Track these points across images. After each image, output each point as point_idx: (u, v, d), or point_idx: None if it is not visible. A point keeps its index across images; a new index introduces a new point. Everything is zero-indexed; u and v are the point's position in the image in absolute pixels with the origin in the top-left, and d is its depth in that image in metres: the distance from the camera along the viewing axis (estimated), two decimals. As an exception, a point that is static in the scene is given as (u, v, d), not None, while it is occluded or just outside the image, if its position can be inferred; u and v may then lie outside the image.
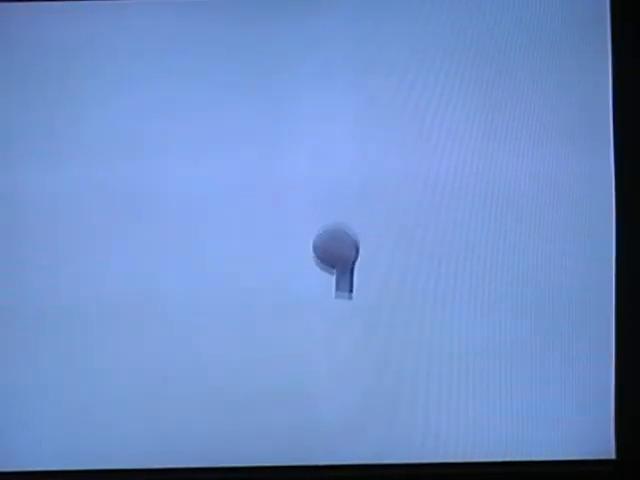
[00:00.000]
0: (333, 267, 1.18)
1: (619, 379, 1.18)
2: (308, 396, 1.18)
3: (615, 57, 1.20)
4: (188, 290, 1.19)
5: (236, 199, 1.19)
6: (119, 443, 1.19)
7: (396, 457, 1.19)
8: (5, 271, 1.20)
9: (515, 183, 1.19)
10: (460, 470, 1.18)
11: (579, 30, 1.20)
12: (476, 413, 1.18)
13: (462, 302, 1.18)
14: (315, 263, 1.18)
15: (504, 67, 1.20)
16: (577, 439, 1.19)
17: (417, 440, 1.18)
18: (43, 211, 1.20)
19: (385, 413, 1.18)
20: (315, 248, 1.18)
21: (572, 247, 1.19)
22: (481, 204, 1.19)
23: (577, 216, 1.19)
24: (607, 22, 1.20)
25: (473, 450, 1.19)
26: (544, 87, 1.20)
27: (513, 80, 1.20)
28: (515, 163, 1.19)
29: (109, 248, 1.19)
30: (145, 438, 1.19)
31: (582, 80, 1.20)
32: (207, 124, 1.20)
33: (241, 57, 1.20)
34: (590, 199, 1.19)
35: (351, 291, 1.18)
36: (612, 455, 1.19)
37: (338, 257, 1.18)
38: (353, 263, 1.18)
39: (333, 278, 1.18)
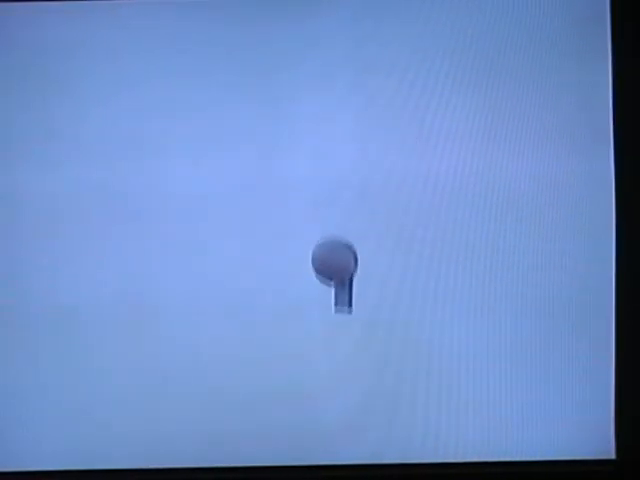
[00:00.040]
0: (332, 280, 1.18)
1: (619, 379, 1.18)
2: (308, 396, 1.18)
3: (615, 57, 1.20)
4: (188, 290, 1.19)
5: (236, 199, 1.19)
6: (119, 443, 1.19)
7: (396, 457, 1.19)
8: (6, 271, 1.20)
9: (515, 183, 1.19)
10: (460, 470, 1.18)
11: (579, 30, 1.20)
12: (476, 413, 1.18)
13: (462, 302, 1.18)
14: (314, 276, 1.18)
15: (504, 67, 1.20)
16: (577, 439, 1.19)
17: (417, 440, 1.18)
18: (43, 211, 1.20)
19: (385, 413, 1.18)
20: (313, 261, 1.18)
21: (572, 247, 1.19)
22: (481, 204, 1.19)
23: (577, 216, 1.19)
24: (607, 22, 1.20)
25: (473, 450, 1.19)
26: (544, 87, 1.20)
27: (513, 80, 1.20)
28: (515, 163, 1.19)
29: (109, 248, 1.19)
30: (145, 438, 1.19)
31: (582, 80, 1.20)
32: (207, 124, 1.20)
33: (241, 57, 1.20)
34: (590, 199, 1.19)
35: (350, 305, 1.18)
36: (612, 455, 1.19)
37: (337, 270, 1.18)
38: (352, 276, 1.18)
39: (332, 289, 1.18)
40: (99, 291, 1.19)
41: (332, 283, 1.18)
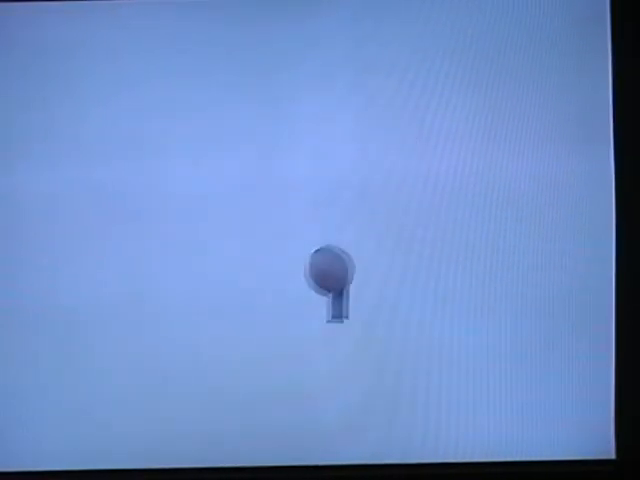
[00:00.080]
0: (328, 291, 1.18)
1: (619, 379, 1.18)
2: (308, 396, 1.18)
3: (615, 57, 1.20)
4: (188, 290, 1.19)
5: (236, 199, 1.19)
6: (119, 443, 1.19)
7: (396, 457, 1.18)
8: (5, 271, 1.20)
9: (515, 183, 1.19)
10: (460, 470, 1.18)
11: (579, 30, 1.20)
12: (476, 413, 1.18)
13: (462, 302, 1.18)
14: (310, 286, 1.18)
15: (504, 67, 1.20)
16: (577, 439, 1.19)
17: (417, 440, 1.18)
18: (42, 211, 1.19)
19: (385, 413, 1.18)
20: (309, 271, 1.17)
21: (572, 247, 1.19)
22: (481, 204, 1.19)
23: (577, 216, 1.19)
24: (607, 22, 1.20)
25: (473, 450, 1.19)
26: (544, 87, 1.20)
27: (513, 80, 1.20)
28: (515, 163, 1.19)
29: (109, 248, 1.19)
30: (145, 438, 1.19)
31: (582, 80, 1.20)
32: (207, 124, 1.20)
33: (241, 57, 1.20)
34: (590, 199, 1.19)
35: (346, 316, 1.18)
36: (612, 455, 1.19)
37: (332, 281, 1.18)
38: (348, 285, 1.18)
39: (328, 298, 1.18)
40: (99, 291, 1.19)
41: (329, 294, 1.18)
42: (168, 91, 1.20)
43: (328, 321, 1.18)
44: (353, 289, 1.19)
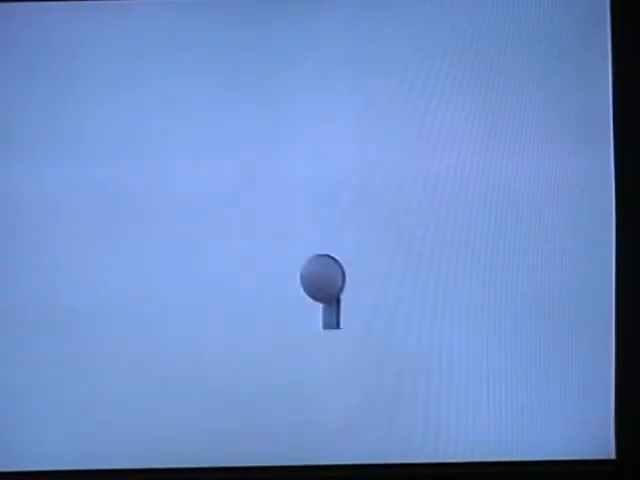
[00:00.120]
0: (320, 301, 1.18)
1: (619, 379, 1.18)
2: (308, 396, 1.18)
3: (615, 57, 1.20)
4: (188, 290, 1.19)
5: (236, 199, 1.19)
6: (119, 443, 1.19)
7: (396, 457, 1.18)
8: (6, 271, 1.20)
9: (515, 183, 1.19)
10: (460, 470, 1.18)
11: (579, 30, 1.20)
12: (476, 413, 1.18)
13: (462, 302, 1.18)
14: (303, 292, 1.18)
15: (504, 67, 1.20)
16: (577, 439, 1.19)
17: (417, 440, 1.18)
18: (42, 211, 1.20)
19: (385, 413, 1.18)
20: (301, 283, 1.18)
21: (572, 247, 1.19)
22: (481, 204, 1.19)
23: (577, 216, 1.19)
24: (607, 22, 1.20)
25: (473, 450, 1.18)
26: (544, 87, 1.20)
27: (513, 80, 1.20)
28: (515, 163, 1.19)
29: (109, 248, 1.19)
30: (145, 438, 1.19)
31: (582, 80, 1.20)
32: (207, 124, 1.20)
33: (241, 57, 1.20)
34: (590, 199, 1.19)
35: (338, 325, 1.18)
36: (612, 455, 1.19)
37: (324, 290, 1.18)
38: (339, 293, 1.18)
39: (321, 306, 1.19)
40: (99, 291, 1.19)
41: (321, 304, 1.18)
42: (168, 91, 1.20)
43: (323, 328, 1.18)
44: (353, 290, 1.18)
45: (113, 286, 1.19)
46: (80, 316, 1.19)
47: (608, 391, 1.18)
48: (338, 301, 1.18)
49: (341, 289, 1.18)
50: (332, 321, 1.18)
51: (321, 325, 1.18)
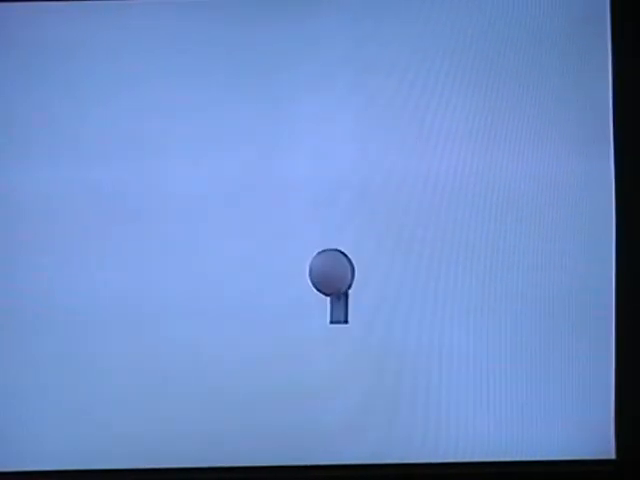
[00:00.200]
0: (328, 295, 1.18)
1: (619, 379, 1.18)
2: (308, 396, 1.18)
3: (615, 57, 1.20)
4: (188, 290, 1.19)
5: (236, 199, 1.19)
6: (119, 443, 1.19)
7: (396, 457, 1.18)
8: (6, 271, 1.19)
9: (515, 183, 1.19)
10: (460, 470, 1.18)
11: (579, 30, 1.20)
12: (476, 413, 1.18)
13: (462, 302, 1.18)
14: (312, 287, 1.18)
15: (504, 67, 1.20)
16: (577, 439, 1.19)
17: (417, 440, 1.18)
18: (42, 211, 1.19)
19: (385, 413, 1.18)
20: (310, 274, 1.18)
21: (572, 247, 1.19)
22: (481, 204, 1.19)
23: (577, 216, 1.19)
24: (607, 22, 1.20)
25: (473, 450, 1.18)
26: (544, 87, 1.20)
27: (513, 80, 1.20)
28: (515, 163, 1.19)
29: (109, 248, 1.19)
30: (145, 438, 1.19)
31: (582, 80, 1.20)
32: (207, 124, 1.20)
33: (241, 57, 1.20)
34: (590, 199, 1.19)
35: (346, 320, 1.18)
36: (612, 455, 1.19)
37: (333, 284, 1.18)
38: (348, 289, 1.18)
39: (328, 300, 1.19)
40: (99, 291, 1.19)
41: (329, 298, 1.18)
42: (168, 91, 1.20)
43: (331, 322, 1.18)
44: (353, 289, 1.18)
45: (113, 286, 1.19)
46: (80, 316, 1.19)
47: (608, 391, 1.18)
48: (346, 296, 1.18)
49: (350, 284, 1.18)
50: (340, 316, 1.18)
51: (328, 320, 1.18)
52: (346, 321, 1.18)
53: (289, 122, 1.20)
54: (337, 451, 1.18)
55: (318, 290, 1.18)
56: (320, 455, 1.18)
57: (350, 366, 1.18)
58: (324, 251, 1.18)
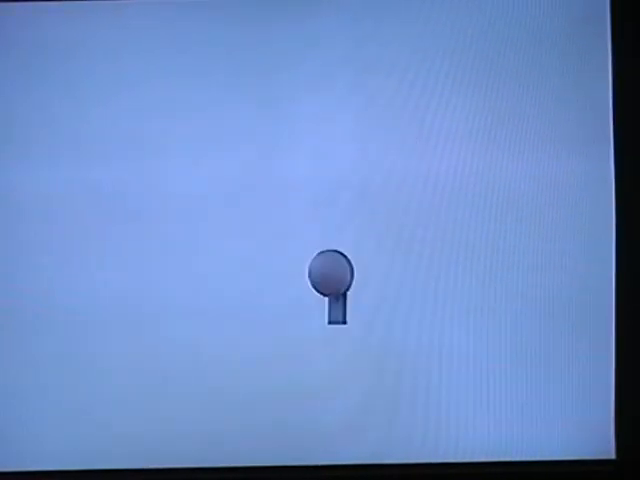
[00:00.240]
0: (326, 295, 1.18)
1: (619, 379, 1.18)
2: (308, 396, 1.18)
3: (615, 57, 1.20)
4: (187, 290, 1.19)
5: (236, 199, 1.19)
6: (119, 443, 1.19)
7: (396, 457, 1.18)
8: (5, 271, 1.19)
9: (515, 183, 1.19)
10: (460, 470, 1.18)
11: (579, 30, 1.20)
12: (476, 413, 1.18)
13: (462, 302, 1.18)
14: (311, 287, 1.18)
15: (504, 67, 1.20)
16: (577, 439, 1.19)
17: (417, 440, 1.18)
18: (42, 211, 1.19)
19: (385, 413, 1.18)
20: (309, 274, 1.18)
21: (572, 247, 1.19)
22: (481, 204, 1.19)
23: (577, 216, 1.19)
24: (607, 22, 1.20)
25: (473, 450, 1.18)
26: (544, 87, 1.20)
27: (513, 80, 1.20)
28: (515, 163, 1.19)
29: (109, 248, 1.19)
30: (145, 438, 1.19)
31: (582, 80, 1.20)
32: (207, 124, 1.20)
33: (241, 57, 1.20)
34: (590, 199, 1.19)
35: (344, 320, 1.18)
36: (612, 455, 1.19)
37: (332, 285, 1.18)
38: (346, 290, 1.18)
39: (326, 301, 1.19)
40: (99, 291, 1.19)
41: (327, 298, 1.18)
42: (168, 91, 1.20)
43: (329, 322, 1.18)
44: (353, 289, 1.18)
45: (113, 286, 1.19)
46: (80, 316, 1.19)
47: (608, 391, 1.18)
48: (345, 296, 1.18)
49: (349, 285, 1.18)
50: (338, 316, 1.18)
51: (327, 320, 1.18)
52: (344, 322, 1.18)
53: (289, 122, 1.20)
54: (337, 451, 1.18)
55: (317, 290, 1.18)
56: (320, 455, 1.18)
57: (350, 366, 1.18)
58: (324, 252, 1.18)
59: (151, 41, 1.21)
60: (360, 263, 1.19)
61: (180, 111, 1.20)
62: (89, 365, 1.19)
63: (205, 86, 1.20)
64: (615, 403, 1.18)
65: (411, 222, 1.19)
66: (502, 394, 1.18)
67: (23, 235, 1.20)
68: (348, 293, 1.18)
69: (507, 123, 1.19)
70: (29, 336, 1.19)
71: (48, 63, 1.21)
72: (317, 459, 1.18)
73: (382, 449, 1.18)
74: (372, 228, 1.19)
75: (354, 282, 1.18)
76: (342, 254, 1.18)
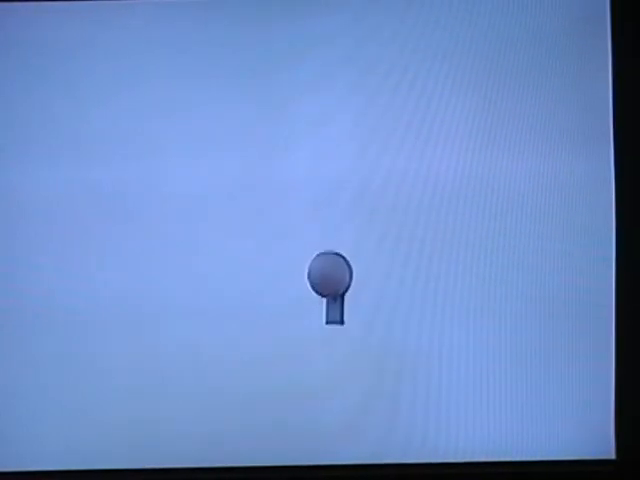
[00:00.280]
0: (324, 296, 1.18)
1: (619, 379, 1.18)
2: (308, 396, 1.18)
3: (615, 57, 1.20)
4: (187, 290, 1.19)
5: (235, 199, 1.19)
6: (119, 443, 1.19)
7: (396, 457, 1.18)
8: (5, 271, 1.20)
9: (515, 183, 1.19)
10: (460, 470, 1.18)
11: (579, 30, 1.20)
12: (476, 413, 1.18)
13: (462, 302, 1.18)
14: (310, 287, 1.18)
15: (504, 67, 1.20)
16: (577, 439, 1.19)
17: (417, 440, 1.18)
18: (41, 211, 1.20)
19: (385, 413, 1.18)
20: (309, 275, 1.18)
21: (572, 247, 1.19)
22: (481, 204, 1.19)
23: (577, 216, 1.19)
24: (607, 22, 1.20)
25: (473, 450, 1.18)
26: (544, 87, 1.20)
27: (513, 81, 1.20)
28: (515, 163, 1.19)
29: (108, 248, 1.19)
30: (145, 438, 1.19)
31: (582, 80, 1.20)
32: (207, 124, 1.20)
33: (241, 57, 1.20)
34: (590, 199, 1.19)
35: (342, 321, 1.18)
36: (612, 455, 1.19)
37: (330, 287, 1.18)
38: (345, 292, 1.18)
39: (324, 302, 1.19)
40: (99, 291, 1.19)
41: (325, 299, 1.18)
42: (168, 91, 1.20)
43: (327, 322, 1.18)
44: (353, 289, 1.18)
45: (113, 286, 1.19)
46: (80, 316, 1.19)
47: (608, 391, 1.18)
48: (342, 297, 1.18)
49: (347, 287, 1.18)
50: (336, 316, 1.18)
51: (324, 320, 1.18)
52: (342, 322, 1.18)
53: (289, 122, 1.20)
54: (337, 451, 1.18)
55: (315, 291, 1.18)
56: (320, 455, 1.18)
57: (350, 366, 1.18)
58: (324, 253, 1.18)
59: (151, 41, 1.21)
60: (359, 263, 1.19)
61: (180, 111, 1.20)
62: (89, 365, 1.19)
63: (205, 86, 1.20)
64: (615, 403, 1.18)
65: (411, 222, 1.19)
66: (502, 394, 1.18)
67: (23, 235, 1.20)
68: (347, 294, 1.18)
69: (507, 123, 1.19)
70: (29, 336, 1.19)
71: (48, 63, 1.21)
72: (317, 459, 1.19)
73: (382, 449, 1.18)
74: (372, 228, 1.19)
75: (353, 282, 1.18)
76: (342, 256, 1.18)
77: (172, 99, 1.20)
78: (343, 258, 1.18)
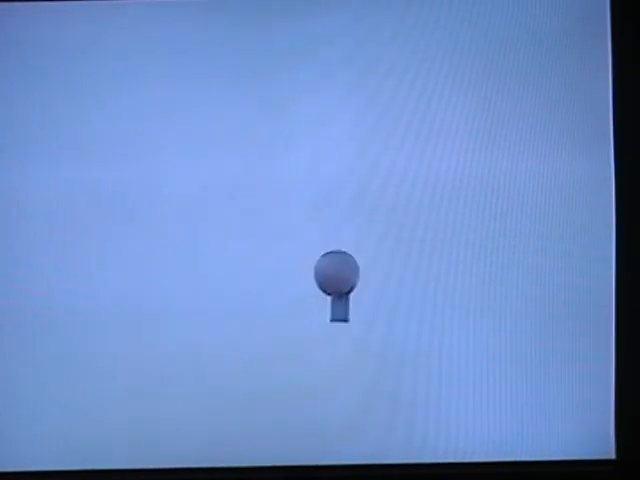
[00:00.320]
0: (329, 294, 1.18)
1: (619, 379, 1.18)
2: (308, 396, 1.18)
3: (615, 57, 1.20)
4: (187, 290, 1.19)
5: (235, 199, 1.19)
6: (119, 443, 1.19)
7: (396, 457, 1.18)
8: (5, 271, 1.20)
9: (515, 183, 1.19)
10: (460, 470, 1.18)
11: (579, 30, 1.20)
12: (476, 413, 1.18)
13: (462, 302, 1.18)
14: (317, 286, 1.18)
15: (504, 67, 1.20)
16: (577, 439, 1.19)
17: (417, 440, 1.18)
18: (42, 211, 1.20)
19: (385, 413, 1.18)
20: (316, 273, 1.18)
21: (572, 247, 1.19)
22: (481, 204, 1.19)
23: (577, 216, 1.19)
24: (607, 22, 1.20)
25: (473, 450, 1.18)
26: (544, 87, 1.20)
27: (513, 80, 1.20)
28: (515, 163, 1.19)
29: (108, 248, 1.19)
30: (145, 438, 1.19)
31: (582, 80, 1.20)
32: (207, 124, 1.20)
33: (241, 57, 1.20)
34: (590, 199, 1.19)
35: (346, 319, 1.18)
36: (612, 455, 1.19)
37: (337, 285, 1.18)
38: (351, 290, 1.18)
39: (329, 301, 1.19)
40: (99, 291, 1.19)
41: (330, 296, 1.18)
42: (168, 91, 1.20)
43: (331, 320, 1.18)
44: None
45: (113, 286, 1.19)
46: (80, 316, 1.19)
47: (608, 391, 1.18)
48: (348, 295, 1.18)
49: (354, 286, 1.18)
50: (341, 314, 1.18)
51: (329, 318, 1.18)
52: (346, 319, 1.18)
53: (289, 122, 1.20)
54: (337, 451, 1.18)
55: (321, 289, 1.18)
56: (320, 455, 1.18)
57: (350, 366, 1.18)
58: (332, 251, 1.18)
59: (151, 41, 1.21)
60: (360, 263, 1.19)
61: (180, 111, 1.20)
62: (89, 365, 1.19)
63: (205, 86, 1.20)
64: (615, 403, 1.18)
65: (411, 222, 1.19)
66: (502, 394, 1.18)
67: (23, 235, 1.20)
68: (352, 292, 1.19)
69: (507, 123, 1.19)
70: (29, 336, 1.19)
71: (48, 63, 1.21)
72: (317, 459, 1.19)
73: (382, 449, 1.18)
74: (372, 228, 1.19)
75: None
76: (348, 255, 1.18)
77: (172, 99, 1.20)
78: (351, 257, 1.18)
